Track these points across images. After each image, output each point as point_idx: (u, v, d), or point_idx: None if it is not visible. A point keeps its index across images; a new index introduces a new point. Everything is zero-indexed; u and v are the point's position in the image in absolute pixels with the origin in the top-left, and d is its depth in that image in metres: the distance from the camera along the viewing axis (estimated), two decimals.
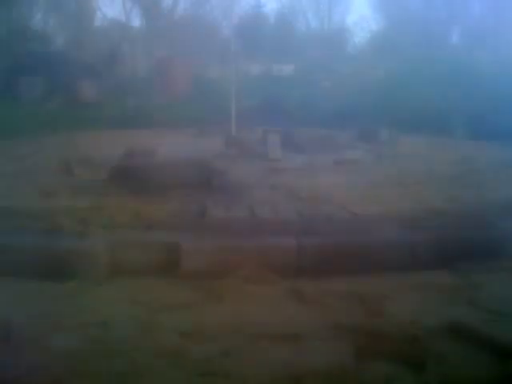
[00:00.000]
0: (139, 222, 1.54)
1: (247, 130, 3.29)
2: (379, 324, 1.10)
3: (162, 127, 3.79)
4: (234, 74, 3.18)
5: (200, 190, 1.82)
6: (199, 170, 1.98)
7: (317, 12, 9.35)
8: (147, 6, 9.39)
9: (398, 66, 4.00)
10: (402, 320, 1.12)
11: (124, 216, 1.58)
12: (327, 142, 3.02)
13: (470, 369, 0.95)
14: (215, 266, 1.34)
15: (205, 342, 1.02)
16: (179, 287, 1.28)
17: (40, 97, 2.89)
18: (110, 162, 2.23)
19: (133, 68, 5.87)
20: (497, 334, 1.05)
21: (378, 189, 2.03)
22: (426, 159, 2.76)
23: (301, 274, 1.35)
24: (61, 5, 8.14)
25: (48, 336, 1.03)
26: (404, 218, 1.62)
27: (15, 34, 5.78)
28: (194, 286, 1.28)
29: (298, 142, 2.91)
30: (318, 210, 1.67)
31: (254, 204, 1.70)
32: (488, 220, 1.61)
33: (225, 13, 9.17)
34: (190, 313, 1.15)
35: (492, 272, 1.40)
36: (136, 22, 10.04)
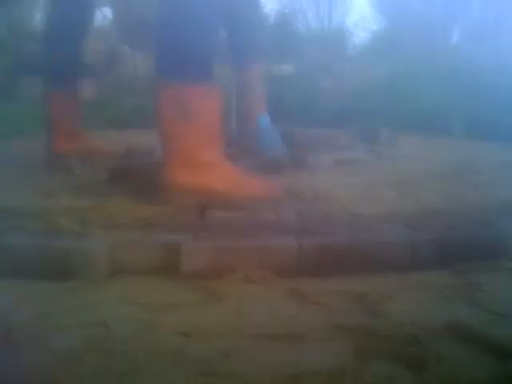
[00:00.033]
0: (139, 222, 1.54)
1: (247, 129, 3.29)
2: (379, 324, 1.10)
3: None
4: (234, 73, 3.18)
5: None
6: None
7: (317, 12, 9.35)
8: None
9: (397, 65, 4.00)
10: (402, 320, 1.12)
11: (124, 216, 1.58)
12: (327, 141, 3.02)
13: (469, 369, 0.94)
14: (215, 265, 1.34)
15: (205, 342, 1.02)
16: (179, 287, 1.28)
17: (40, 96, 2.91)
18: (110, 162, 2.24)
19: (133, 67, 5.87)
20: (497, 334, 1.05)
21: (378, 188, 2.04)
22: (426, 159, 2.76)
23: (301, 273, 1.35)
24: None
25: (48, 336, 1.03)
26: (404, 218, 1.62)
27: (15, 34, 5.79)
28: (194, 285, 1.28)
29: (298, 141, 2.91)
30: (317, 210, 1.67)
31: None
32: (488, 220, 1.61)
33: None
34: (190, 313, 1.15)
35: (492, 272, 1.40)
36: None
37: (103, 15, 5.82)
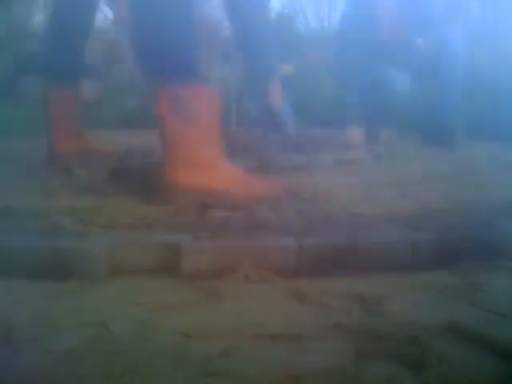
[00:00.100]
0: (139, 222, 1.54)
1: (247, 129, 3.29)
2: (379, 324, 1.10)
3: None
4: (234, 73, 3.18)
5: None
6: None
7: (317, 12, 9.34)
8: None
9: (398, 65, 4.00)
10: (401, 320, 1.12)
11: (124, 216, 1.58)
12: (327, 141, 3.02)
13: (470, 369, 0.94)
14: (215, 265, 1.34)
15: (205, 342, 1.02)
16: (179, 287, 1.28)
17: (40, 96, 2.90)
18: (110, 162, 2.23)
19: (133, 67, 5.87)
20: (497, 334, 1.05)
21: (378, 188, 2.03)
22: (426, 159, 2.76)
23: (301, 273, 1.35)
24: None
25: (48, 336, 1.03)
26: (404, 218, 1.62)
27: (15, 33, 5.79)
28: (194, 285, 1.28)
29: (298, 141, 2.91)
30: (317, 210, 1.67)
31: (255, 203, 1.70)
32: (488, 220, 1.61)
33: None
34: (190, 313, 1.15)
35: (492, 272, 1.40)
36: None
37: (103, 15, 5.81)
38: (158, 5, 1.74)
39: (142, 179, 1.89)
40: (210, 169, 1.76)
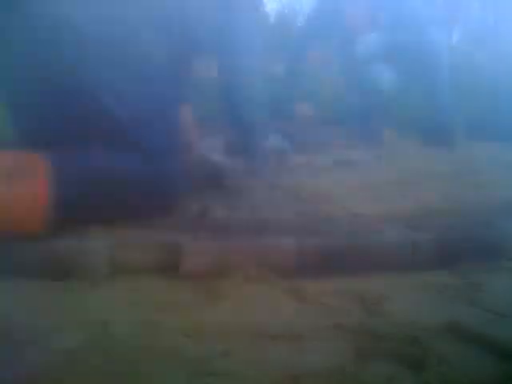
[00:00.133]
0: (139, 222, 1.54)
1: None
2: (379, 324, 1.10)
3: None
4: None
5: (207, 190, 1.83)
6: (207, 169, 1.98)
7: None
8: None
9: (397, 65, 4.00)
10: (401, 320, 1.12)
11: None
12: (327, 141, 3.02)
13: (470, 369, 0.94)
14: (215, 265, 1.34)
15: (205, 342, 1.02)
16: (179, 287, 1.28)
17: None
18: None
19: None
20: (497, 334, 1.05)
21: (378, 189, 2.04)
22: (426, 159, 2.76)
23: (301, 273, 1.35)
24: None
25: (48, 336, 1.03)
26: (404, 218, 1.62)
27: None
28: (194, 285, 1.28)
29: (298, 141, 2.91)
30: (317, 210, 1.67)
31: (254, 203, 1.70)
32: (488, 220, 1.61)
33: None
34: (190, 313, 1.15)
35: (492, 272, 1.40)
36: None
37: None
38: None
39: None
40: None
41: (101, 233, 1.43)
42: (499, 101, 3.72)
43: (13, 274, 1.28)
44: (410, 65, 3.33)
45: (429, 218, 1.61)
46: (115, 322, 1.09)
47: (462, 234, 1.52)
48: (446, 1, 3.55)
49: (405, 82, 3.39)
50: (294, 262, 1.37)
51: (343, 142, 3.11)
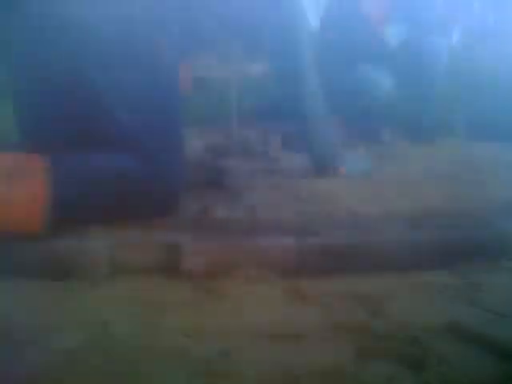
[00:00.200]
0: (139, 222, 1.54)
1: (247, 129, 3.29)
2: (379, 324, 1.10)
3: None
4: (234, 73, 3.17)
5: (208, 190, 1.83)
6: (207, 169, 1.98)
7: (317, 12, 9.35)
8: None
9: (396, 65, 4.00)
10: (402, 320, 1.12)
11: None
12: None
13: (470, 369, 0.94)
14: (215, 265, 1.34)
15: (205, 342, 1.02)
16: (179, 287, 1.28)
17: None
18: None
19: None
20: (497, 334, 1.05)
21: (378, 188, 2.03)
22: (426, 159, 2.76)
23: (301, 273, 1.35)
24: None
25: (48, 336, 1.03)
26: (404, 218, 1.62)
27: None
28: (194, 285, 1.28)
29: (298, 141, 2.91)
30: (317, 210, 1.67)
31: (255, 203, 1.70)
32: (488, 220, 1.61)
33: None
34: (190, 313, 1.15)
35: (492, 272, 1.40)
36: None
37: None
38: None
39: None
40: None
41: (101, 233, 1.43)
42: (499, 101, 3.72)
43: (13, 274, 1.28)
44: (408, 65, 3.33)
45: (429, 218, 1.61)
46: (115, 322, 1.09)
47: (462, 233, 1.52)
48: (446, 1, 3.55)
49: (402, 82, 3.39)
50: (294, 262, 1.37)
51: (343, 142, 3.10)
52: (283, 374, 0.91)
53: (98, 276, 1.31)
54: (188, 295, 1.24)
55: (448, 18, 3.49)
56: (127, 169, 1.50)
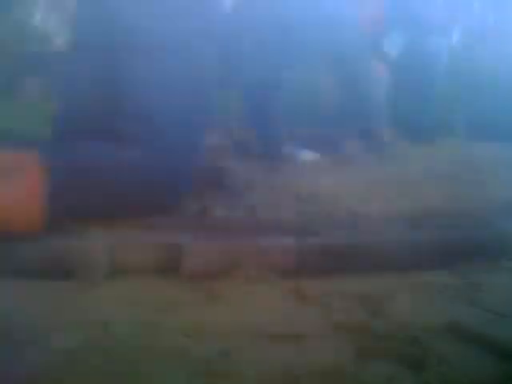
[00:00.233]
0: (139, 222, 1.54)
1: (248, 129, 3.29)
2: (379, 324, 1.10)
3: None
4: (234, 73, 3.17)
5: (208, 190, 1.83)
6: (208, 169, 1.98)
7: None
8: None
9: (397, 64, 4.00)
10: (402, 320, 1.12)
11: None
12: (327, 141, 3.02)
13: (470, 369, 0.94)
14: (215, 265, 1.34)
15: (205, 342, 1.02)
16: (179, 287, 1.28)
17: (41, 97, 2.91)
18: None
19: None
20: (497, 334, 1.05)
21: (378, 188, 2.03)
22: (426, 159, 2.76)
23: (301, 273, 1.35)
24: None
25: (48, 336, 1.03)
26: (404, 218, 1.62)
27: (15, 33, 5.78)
28: (194, 285, 1.28)
29: (298, 141, 2.91)
30: (318, 210, 1.67)
31: (255, 203, 1.70)
32: (488, 220, 1.61)
33: None
34: (190, 313, 1.15)
35: (492, 272, 1.40)
36: None
37: None
38: None
39: None
40: None
41: (101, 233, 1.43)
42: (499, 101, 3.72)
43: (13, 274, 1.28)
44: (408, 65, 3.33)
45: (429, 218, 1.61)
46: (115, 322, 1.09)
47: (462, 233, 1.52)
48: (446, 1, 3.55)
49: (402, 82, 3.39)
50: (294, 262, 1.37)
51: (343, 142, 3.10)
52: (283, 374, 0.91)
53: (98, 276, 1.31)
54: (188, 295, 1.24)
55: (448, 18, 3.49)
56: (127, 168, 1.50)
